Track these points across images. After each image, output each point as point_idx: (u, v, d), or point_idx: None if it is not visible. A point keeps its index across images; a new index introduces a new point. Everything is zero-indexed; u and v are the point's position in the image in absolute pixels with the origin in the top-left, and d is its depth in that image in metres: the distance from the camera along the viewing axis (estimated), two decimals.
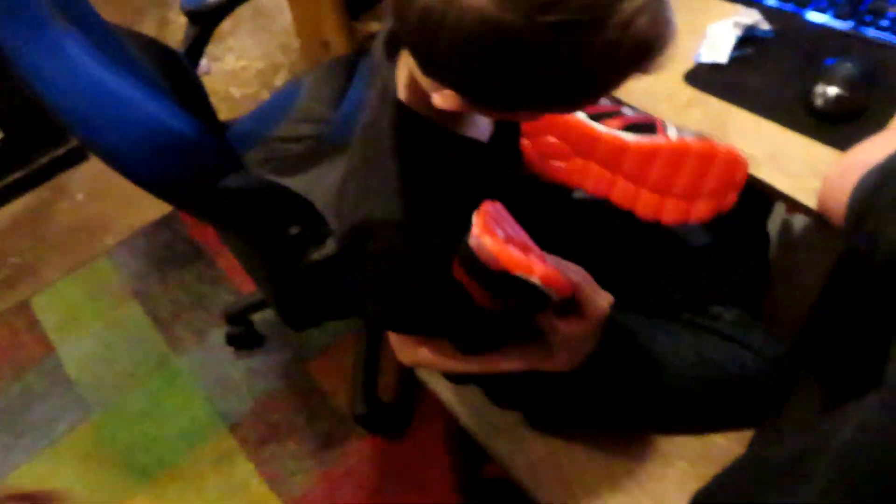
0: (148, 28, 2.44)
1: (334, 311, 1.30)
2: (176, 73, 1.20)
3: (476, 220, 0.59)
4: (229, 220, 0.93)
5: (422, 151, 0.64)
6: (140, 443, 1.50)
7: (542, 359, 0.73)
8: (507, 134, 0.74)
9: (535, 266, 0.58)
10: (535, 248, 0.63)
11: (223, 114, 2.17)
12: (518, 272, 0.58)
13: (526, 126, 0.79)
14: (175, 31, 2.39)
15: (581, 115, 0.81)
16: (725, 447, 0.89)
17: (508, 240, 0.59)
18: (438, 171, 0.65)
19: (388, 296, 0.70)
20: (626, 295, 0.73)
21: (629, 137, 0.80)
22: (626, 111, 0.83)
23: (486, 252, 0.57)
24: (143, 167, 0.77)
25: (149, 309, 1.70)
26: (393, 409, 1.44)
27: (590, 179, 0.81)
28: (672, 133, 0.80)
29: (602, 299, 0.67)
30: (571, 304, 0.66)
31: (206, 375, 1.57)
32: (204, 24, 1.31)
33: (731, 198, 0.79)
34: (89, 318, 1.71)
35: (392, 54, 0.65)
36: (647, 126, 0.81)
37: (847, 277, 0.76)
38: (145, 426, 1.52)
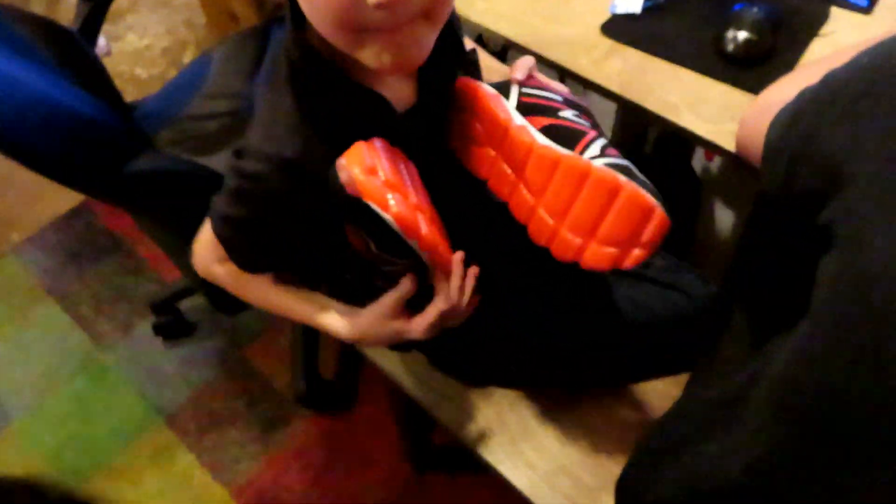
0: (37, 8, 2.27)
1: None
2: (72, 54, 1.12)
3: (355, 146, 0.59)
4: (144, 205, 0.89)
5: (316, 93, 0.62)
6: (69, 445, 1.43)
7: (344, 321, 0.72)
8: (434, 102, 0.71)
9: (392, 204, 0.58)
10: (414, 197, 0.62)
11: (130, 96, 2.05)
12: (370, 202, 0.58)
13: (459, 102, 0.75)
14: (67, 11, 2.24)
15: (507, 103, 0.69)
16: (663, 391, 0.92)
17: (384, 181, 0.58)
18: (327, 117, 0.63)
19: (235, 210, 0.66)
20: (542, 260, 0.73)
21: (539, 139, 0.65)
22: (566, 114, 0.67)
23: (345, 174, 0.58)
24: (42, 153, 0.71)
25: (66, 306, 1.61)
26: (335, 386, 1.43)
27: (494, 176, 0.70)
28: (591, 151, 0.63)
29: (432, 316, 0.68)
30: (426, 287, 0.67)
31: (136, 369, 1.51)
32: (97, 1, 1.22)
33: (637, 255, 0.61)
34: (1, 320, 1.61)
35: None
36: (572, 134, 0.65)
37: (766, 215, 0.78)
38: (73, 427, 1.45)
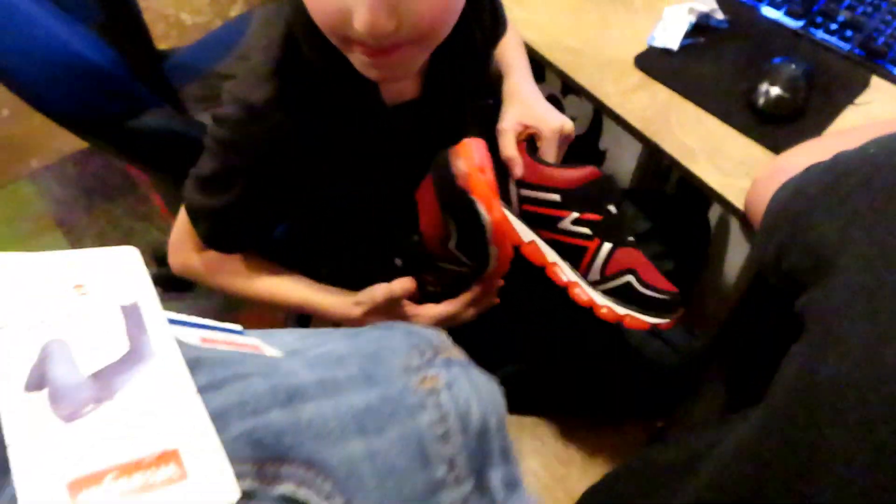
0: None
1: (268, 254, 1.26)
2: None
3: (466, 142, 0.60)
4: (145, 161, 0.88)
5: (305, 62, 0.60)
6: None
7: (340, 309, 0.70)
8: (438, 100, 0.70)
9: (496, 208, 0.59)
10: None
11: (171, 41, 2.06)
12: (478, 200, 0.58)
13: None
14: None
15: (516, 223, 0.72)
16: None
17: (490, 183, 0.60)
18: (310, 88, 0.61)
19: (208, 167, 0.64)
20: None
21: (549, 256, 0.71)
22: (566, 224, 0.70)
23: (461, 166, 0.59)
24: (45, 94, 0.71)
25: (71, 240, 1.63)
26: None
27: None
28: (592, 273, 0.70)
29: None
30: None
31: None
32: None
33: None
34: (4, 245, 1.63)
35: None
36: (573, 252, 0.71)
37: (762, 284, 0.77)
38: None
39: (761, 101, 0.84)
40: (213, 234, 0.69)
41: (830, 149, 0.74)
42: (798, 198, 0.55)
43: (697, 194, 1.29)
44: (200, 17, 2.11)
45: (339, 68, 0.59)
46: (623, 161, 1.47)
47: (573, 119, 0.75)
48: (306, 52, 0.60)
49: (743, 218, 0.77)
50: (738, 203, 0.77)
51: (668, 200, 1.15)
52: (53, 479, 0.20)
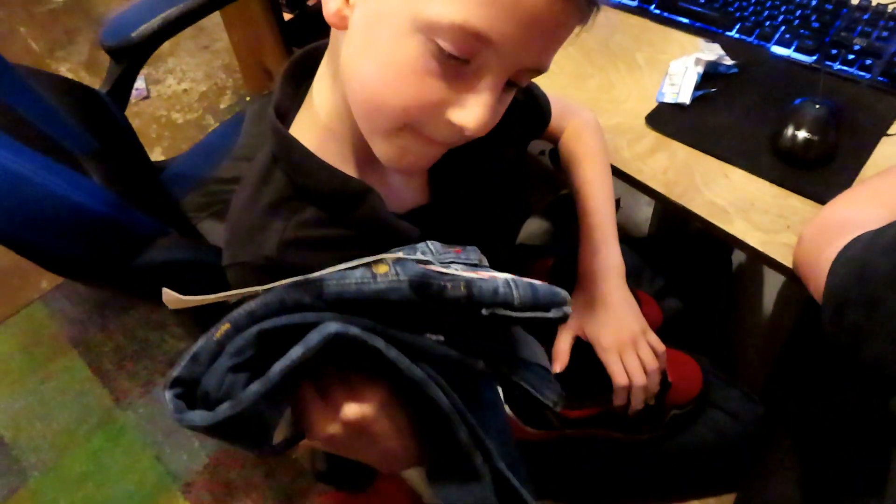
0: (80, 50, 2.31)
1: None
2: (98, 116, 1.10)
3: None
4: (158, 295, 0.84)
5: (300, 187, 0.56)
6: None
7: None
8: (448, 205, 0.65)
9: None
10: None
11: (165, 141, 2.06)
12: None
13: None
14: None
15: None
16: None
17: None
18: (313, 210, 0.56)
19: None
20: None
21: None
22: None
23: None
24: (45, 250, 0.68)
25: (89, 359, 1.59)
26: (355, 463, 1.37)
27: None
28: None
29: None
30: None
31: (154, 431, 1.47)
32: (130, 61, 1.21)
33: None
34: (23, 372, 1.59)
35: (295, 78, 0.59)
36: None
37: (816, 337, 0.71)
38: (88, 490, 1.41)
39: (788, 146, 0.79)
40: None
41: (877, 194, 0.69)
42: (867, 275, 0.50)
43: (721, 253, 1.24)
44: (191, 114, 2.11)
45: (337, 184, 0.55)
46: (639, 208, 1.42)
47: None
48: (300, 180, 0.56)
49: (792, 275, 0.72)
50: (784, 260, 0.72)
51: (687, 244, 1.09)
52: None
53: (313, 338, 0.43)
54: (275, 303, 0.45)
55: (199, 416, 0.41)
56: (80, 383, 1.56)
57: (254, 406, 0.42)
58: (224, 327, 0.45)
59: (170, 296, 0.46)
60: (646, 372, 0.70)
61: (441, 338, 0.50)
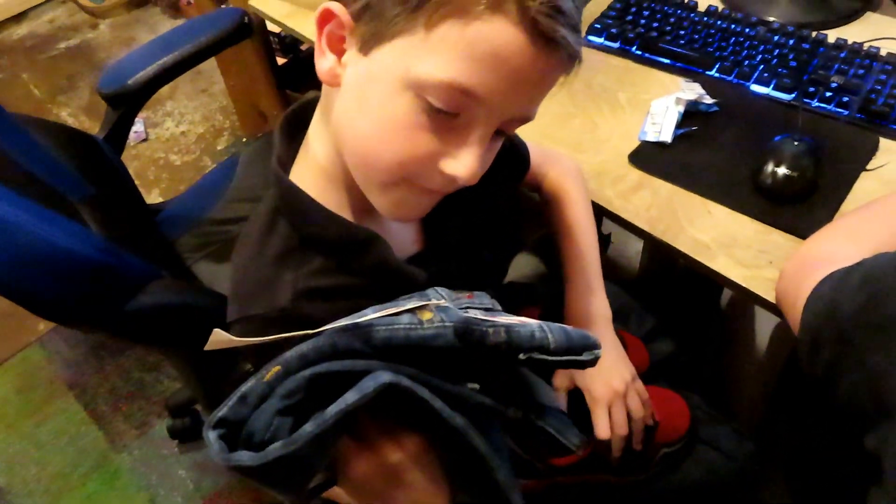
0: (81, 95, 2.35)
1: None
2: (94, 161, 1.12)
3: None
4: (153, 340, 0.85)
5: (305, 236, 0.57)
6: None
7: None
8: (442, 249, 0.66)
9: None
10: None
11: (163, 183, 2.08)
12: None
13: None
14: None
15: None
16: None
17: None
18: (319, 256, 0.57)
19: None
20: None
21: None
22: None
23: None
24: (38, 297, 0.69)
25: (85, 401, 1.59)
26: None
27: None
28: None
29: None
30: None
31: (149, 474, 1.46)
32: (127, 107, 1.23)
33: None
34: (18, 416, 1.59)
35: (291, 130, 0.60)
36: None
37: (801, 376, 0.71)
38: None
39: (769, 182, 0.80)
40: None
41: (854, 229, 0.70)
42: (837, 313, 0.51)
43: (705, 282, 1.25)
44: (189, 156, 2.14)
45: (344, 232, 0.56)
46: (629, 244, 1.43)
47: None
48: (306, 230, 0.57)
49: (774, 310, 0.72)
50: (767, 295, 0.73)
51: (676, 285, 1.10)
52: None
53: (368, 384, 0.43)
54: (326, 347, 0.45)
55: (247, 456, 0.41)
56: (76, 426, 1.55)
57: (306, 447, 0.42)
58: (274, 369, 0.45)
59: (219, 336, 0.45)
60: (632, 419, 0.71)
61: (477, 386, 0.50)
